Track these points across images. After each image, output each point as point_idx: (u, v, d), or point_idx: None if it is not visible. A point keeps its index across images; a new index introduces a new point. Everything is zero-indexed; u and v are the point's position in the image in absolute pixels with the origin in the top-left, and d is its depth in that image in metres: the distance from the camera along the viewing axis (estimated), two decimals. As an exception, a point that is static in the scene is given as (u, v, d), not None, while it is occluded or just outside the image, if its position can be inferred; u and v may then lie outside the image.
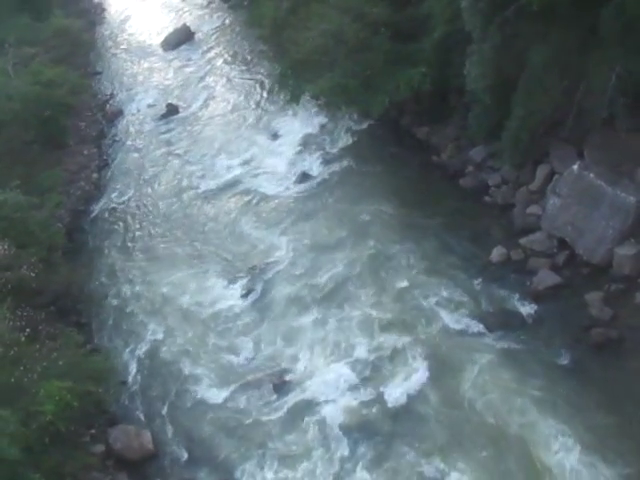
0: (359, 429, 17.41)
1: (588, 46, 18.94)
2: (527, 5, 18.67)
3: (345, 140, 27.44)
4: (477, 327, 19.11)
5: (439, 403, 17.50)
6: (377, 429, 17.32)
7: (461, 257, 21.20)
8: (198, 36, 40.13)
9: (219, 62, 36.71)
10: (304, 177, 26.16)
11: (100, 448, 18.01)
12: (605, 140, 20.12)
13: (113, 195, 28.49)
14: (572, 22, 18.99)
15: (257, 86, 33.16)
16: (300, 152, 27.52)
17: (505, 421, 16.62)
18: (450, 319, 19.40)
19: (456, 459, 16.09)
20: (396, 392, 17.95)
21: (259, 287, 21.97)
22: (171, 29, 41.08)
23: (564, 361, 17.83)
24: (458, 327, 19.21)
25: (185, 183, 28.05)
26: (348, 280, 21.20)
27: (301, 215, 24.43)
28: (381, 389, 18.14)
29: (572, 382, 17.22)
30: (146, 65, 39.01)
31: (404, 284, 20.74)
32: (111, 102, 35.88)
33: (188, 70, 36.94)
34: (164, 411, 19.26)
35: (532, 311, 19.16)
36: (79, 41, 39.51)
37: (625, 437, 15.68)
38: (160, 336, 21.30)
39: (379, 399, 17.92)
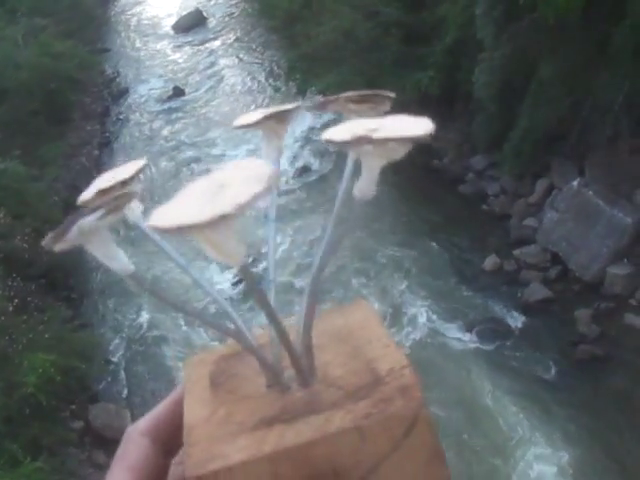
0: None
1: (597, 63, 18.97)
2: (541, 18, 18.72)
3: (346, 139, 27.46)
4: (463, 334, 19.15)
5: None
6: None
7: (454, 263, 21.25)
8: (210, 21, 40.08)
9: (229, 49, 36.69)
10: (304, 171, 26.18)
11: (79, 424, 18.01)
12: (607, 159, 20.16)
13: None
14: (583, 38, 19.03)
15: (265, 76, 33.16)
16: (302, 146, 27.52)
17: (482, 421, 16.71)
18: (436, 324, 19.44)
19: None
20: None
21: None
22: (184, 12, 41.04)
23: (548, 374, 17.88)
24: (443, 332, 19.25)
25: (184, 167, 28.05)
26: (337, 278, 21.21)
27: (298, 209, 24.45)
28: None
29: (554, 395, 17.29)
30: (156, 46, 38.97)
31: (393, 285, 20.77)
32: (118, 80, 35.84)
33: (197, 54, 36.90)
34: (146, 392, 19.29)
35: (520, 323, 19.22)
36: (91, 16, 39.44)
37: (594, 446, 15.81)
38: (149, 318, 21.31)
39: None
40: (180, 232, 0.70)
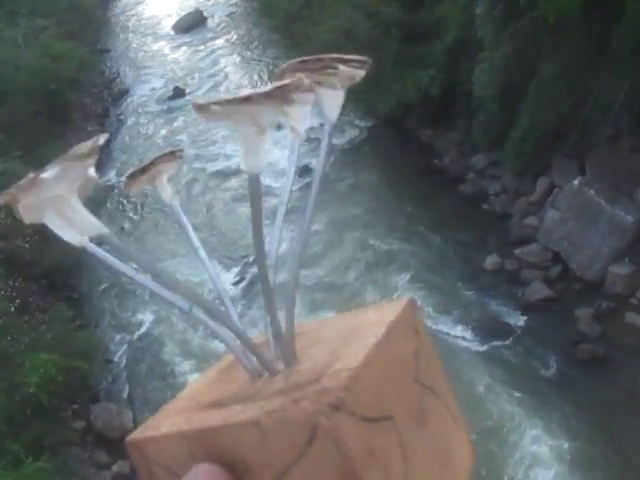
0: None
1: (598, 62, 18.97)
2: (541, 16, 18.72)
3: (348, 137, 27.45)
4: (464, 333, 19.16)
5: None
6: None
7: (454, 262, 21.24)
8: (210, 21, 40.07)
9: (229, 49, 36.68)
10: (304, 171, 26.07)
11: (81, 424, 18.04)
12: (608, 158, 20.16)
13: (112, 174, 28.46)
14: (583, 37, 19.03)
15: (265, 76, 33.15)
16: (302, 146, 27.44)
17: (483, 420, 16.72)
18: (437, 323, 19.42)
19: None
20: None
21: (250, 276, 22.00)
22: (184, 12, 41.03)
23: (548, 373, 17.89)
24: (445, 331, 19.24)
25: (184, 167, 28.02)
26: (338, 278, 21.24)
27: (298, 210, 24.37)
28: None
29: (554, 393, 17.30)
30: (156, 47, 38.98)
31: (394, 284, 20.77)
32: (118, 81, 35.85)
33: (197, 55, 36.90)
34: (147, 392, 19.30)
35: (521, 322, 19.22)
36: (91, 17, 39.48)
37: (594, 444, 15.84)
38: (150, 318, 21.32)
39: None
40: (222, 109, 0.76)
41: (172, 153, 1.02)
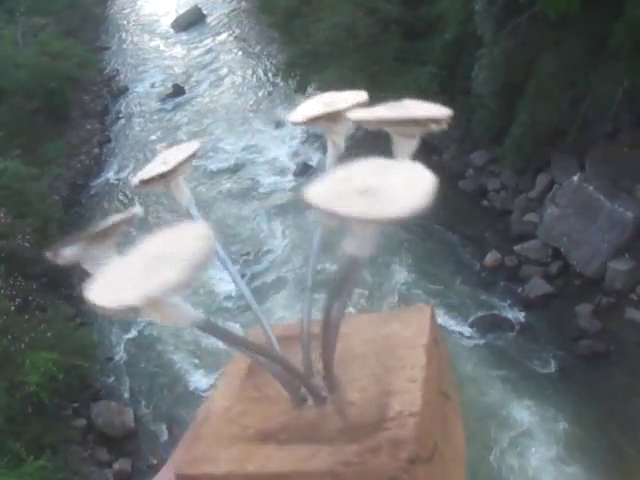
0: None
1: (597, 58, 18.97)
2: (541, 13, 18.72)
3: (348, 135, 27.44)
4: (465, 329, 19.18)
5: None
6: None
7: (454, 259, 21.26)
8: (209, 18, 40.08)
9: (228, 46, 36.69)
10: (305, 168, 26.16)
11: (82, 422, 18.06)
12: (607, 154, 20.16)
13: (113, 171, 28.49)
14: (583, 33, 19.03)
15: (264, 73, 33.16)
16: (302, 142, 27.50)
17: (485, 415, 16.74)
18: (438, 319, 19.37)
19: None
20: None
21: (250, 273, 22.01)
22: (183, 10, 41.02)
23: (550, 369, 17.91)
24: (445, 328, 19.21)
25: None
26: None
27: (298, 207, 24.43)
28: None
29: (555, 388, 17.33)
30: (155, 44, 38.99)
31: (394, 282, 20.78)
32: (117, 78, 35.86)
33: (196, 52, 36.90)
34: (148, 390, 19.32)
35: (521, 318, 19.24)
36: (90, 15, 39.52)
37: (595, 438, 15.87)
38: (150, 315, 21.30)
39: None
40: (119, 312, 0.70)
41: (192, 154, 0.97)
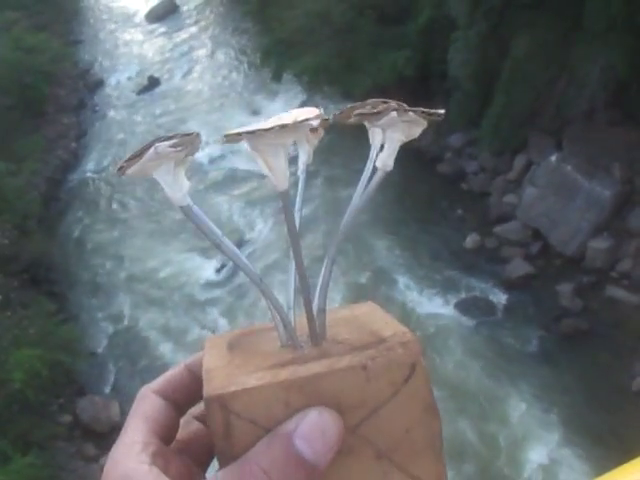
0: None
1: (573, 38, 19.04)
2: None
3: (325, 121, 27.43)
4: (447, 312, 19.25)
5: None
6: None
7: (435, 242, 21.31)
8: (183, 9, 39.90)
9: (203, 36, 36.56)
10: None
11: (67, 418, 18.01)
12: (584, 133, 20.25)
13: (91, 165, 28.35)
14: (558, 13, 19.08)
15: (240, 62, 33.07)
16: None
17: (469, 397, 16.84)
18: (419, 303, 19.53)
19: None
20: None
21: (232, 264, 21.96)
22: (156, 1, 40.82)
23: (533, 349, 18.02)
24: (426, 311, 19.33)
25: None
26: (312, 260, 21.16)
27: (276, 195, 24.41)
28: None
29: (538, 368, 17.44)
30: (129, 36, 38.79)
31: (373, 267, 20.83)
32: (92, 72, 35.62)
33: (171, 43, 36.75)
34: (133, 383, 19.27)
35: (503, 299, 19.33)
36: (62, 8, 39.22)
37: (579, 417, 16.03)
38: (134, 307, 21.29)
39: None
40: (249, 137, 0.88)
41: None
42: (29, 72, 28.59)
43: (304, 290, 1.00)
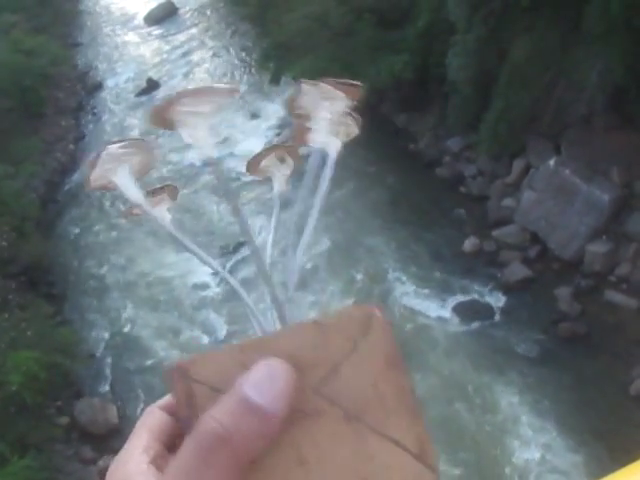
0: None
1: (571, 42, 19.05)
2: (513, -1, 18.81)
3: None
4: (446, 315, 19.25)
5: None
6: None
7: (433, 246, 21.30)
8: (182, 12, 39.91)
9: (201, 39, 36.56)
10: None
11: (65, 420, 18.00)
12: (582, 137, 20.25)
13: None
14: (557, 17, 19.10)
15: (238, 65, 33.08)
16: (278, 134, 27.48)
17: (468, 401, 16.83)
18: (418, 306, 19.52)
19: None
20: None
21: (230, 265, 21.97)
22: (155, 4, 40.81)
23: (531, 353, 18.02)
24: (425, 314, 19.33)
25: (160, 159, 27.92)
26: (315, 264, 21.22)
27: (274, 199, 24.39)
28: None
29: (537, 372, 17.45)
30: (128, 39, 38.78)
31: (372, 270, 20.82)
32: (91, 74, 35.62)
33: (170, 46, 36.74)
34: (131, 386, 19.26)
35: (501, 303, 19.33)
36: (61, 11, 39.26)
37: (577, 420, 16.04)
38: (131, 310, 21.27)
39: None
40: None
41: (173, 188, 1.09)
42: (28, 74, 28.59)
43: (263, 275, 0.99)
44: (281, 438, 0.84)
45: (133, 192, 0.95)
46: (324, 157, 1.04)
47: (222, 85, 0.94)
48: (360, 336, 0.87)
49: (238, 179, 25.94)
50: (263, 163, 1.10)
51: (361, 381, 0.87)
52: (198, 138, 0.96)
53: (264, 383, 0.84)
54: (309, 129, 1.02)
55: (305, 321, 0.90)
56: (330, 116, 1.02)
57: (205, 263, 1.03)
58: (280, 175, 1.12)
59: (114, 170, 0.94)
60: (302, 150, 1.08)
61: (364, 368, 0.87)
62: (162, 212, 1.04)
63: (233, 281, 1.01)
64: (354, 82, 1.03)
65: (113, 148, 0.93)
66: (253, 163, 1.10)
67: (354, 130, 1.06)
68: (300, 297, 20.47)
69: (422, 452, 0.86)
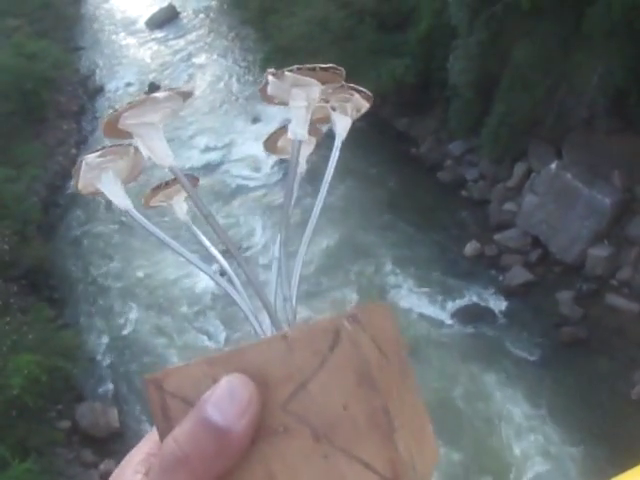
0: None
1: (572, 46, 19.06)
2: (514, 2, 18.77)
3: (323, 128, 27.43)
4: (447, 319, 19.24)
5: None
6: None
7: (434, 249, 21.30)
8: (183, 16, 39.90)
9: (203, 43, 36.56)
10: (282, 163, 26.12)
11: (66, 424, 17.99)
12: (584, 140, 20.25)
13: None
14: (558, 21, 19.11)
15: (240, 69, 33.08)
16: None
17: (470, 405, 16.82)
18: (418, 310, 19.51)
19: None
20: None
21: (232, 269, 21.93)
22: (156, 8, 40.82)
23: (532, 357, 18.00)
24: (426, 318, 19.32)
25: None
26: (315, 267, 21.22)
27: (276, 202, 24.43)
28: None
29: (538, 376, 17.43)
30: (130, 43, 38.78)
31: (374, 274, 20.82)
32: (93, 78, 35.61)
33: (171, 49, 36.74)
34: (132, 389, 19.26)
35: (503, 307, 19.31)
36: (64, 15, 39.22)
37: (578, 424, 16.02)
38: (133, 314, 21.27)
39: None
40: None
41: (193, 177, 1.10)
42: (30, 78, 28.60)
43: (252, 280, 1.03)
44: (251, 454, 0.84)
45: (120, 198, 0.99)
46: (298, 147, 1.05)
47: (166, 93, 0.97)
48: (328, 351, 0.84)
49: (239, 182, 26.01)
50: (280, 143, 1.13)
51: (330, 399, 0.84)
52: (154, 148, 1.00)
53: (224, 401, 0.84)
54: (323, 107, 1.06)
55: (275, 334, 0.90)
56: (306, 103, 1.02)
57: (198, 267, 1.05)
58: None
59: (98, 177, 0.98)
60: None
61: (333, 385, 0.84)
62: (179, 202, 1.12)
63: (225, 284, 1.04)
64: (324, 65, 1.04)
65: (91, 157, 0.96)
66: (270, 142, 1.15)
67: (363, 104, 1.10)
68: (299, 300, 20.43)
69: (395, 476, 0.83)
